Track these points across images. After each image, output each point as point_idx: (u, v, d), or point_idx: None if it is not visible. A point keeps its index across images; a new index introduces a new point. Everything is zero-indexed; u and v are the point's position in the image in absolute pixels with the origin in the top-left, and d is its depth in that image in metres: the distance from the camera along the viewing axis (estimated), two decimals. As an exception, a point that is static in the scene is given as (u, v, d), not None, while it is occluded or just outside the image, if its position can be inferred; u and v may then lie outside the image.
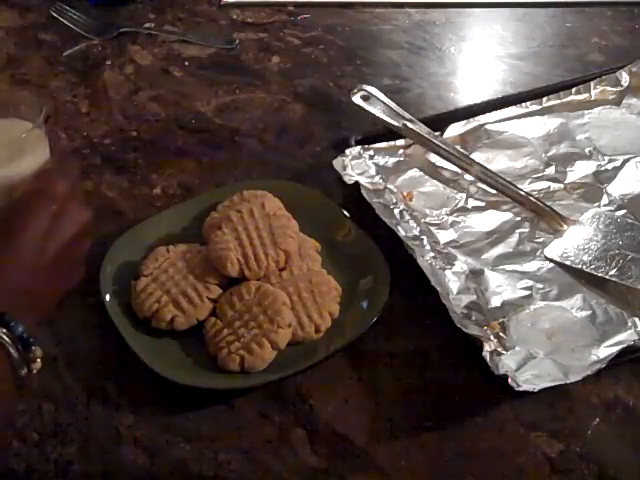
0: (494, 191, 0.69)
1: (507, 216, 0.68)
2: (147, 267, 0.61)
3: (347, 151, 0.71)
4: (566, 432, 0.54)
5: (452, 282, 0.61)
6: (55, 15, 0.95)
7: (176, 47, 0.91)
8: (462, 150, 0.72)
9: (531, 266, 0.64)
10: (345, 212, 0.67)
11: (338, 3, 0.99)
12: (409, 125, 0.71)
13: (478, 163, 0.70)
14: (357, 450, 0.53)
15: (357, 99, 0.73)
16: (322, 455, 0.52)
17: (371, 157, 0.72)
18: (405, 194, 0.69)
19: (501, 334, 0.58)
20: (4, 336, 0.43)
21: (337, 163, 0.70)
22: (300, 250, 0.63)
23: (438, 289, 0.59)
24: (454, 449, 0.53)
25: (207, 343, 0.58)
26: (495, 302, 0.61)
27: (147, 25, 0.95)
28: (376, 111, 0.72)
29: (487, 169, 0.70)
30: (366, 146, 0.72)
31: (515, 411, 0.55)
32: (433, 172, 0.72)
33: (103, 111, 0.82)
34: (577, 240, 0.65)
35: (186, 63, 0.89)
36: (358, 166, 0.70)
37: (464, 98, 0.83)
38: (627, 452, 0.53)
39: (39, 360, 0.45)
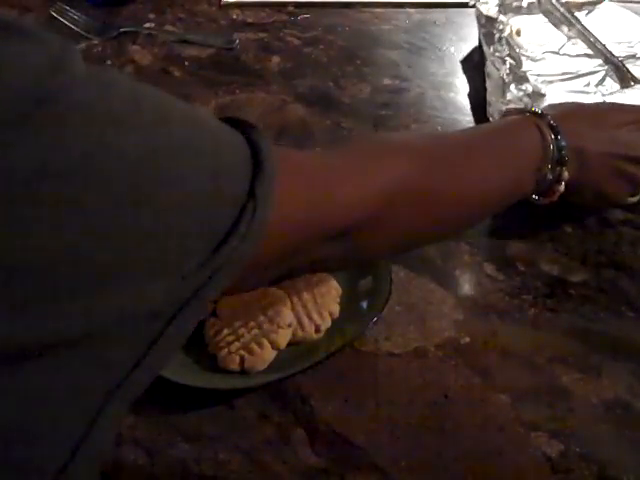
0: None
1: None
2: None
3: (347, 151, 0.71)
4: (566, 432, 0.53)
5: None
6: (55, 15, 0.95)
7: (176, 47, 0.91)
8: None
9: None
10: (345, 212, 0.67)
11: (338, 3, 0.99)
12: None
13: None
14: (357, 450, 0.53)
15: None
16: (322, 455, 0.52)
17: (371, 157, 0.72)
18: None
19: None
20: None
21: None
22: (300, 250, 0.63)
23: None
24: (454, 449, 0.53)
25: (207, 343, 0.58)
26: None
27: (147, 25, 0.95)
28: None
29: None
30: (366, 146, 0.73)
31: (515, 411, 0.55)
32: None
33: (103, 111, 0.82)
34: None
35: (186, 63, 0.89)
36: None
37: (464, 98, 0.83)
38: (627, 452, 0.53)
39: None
